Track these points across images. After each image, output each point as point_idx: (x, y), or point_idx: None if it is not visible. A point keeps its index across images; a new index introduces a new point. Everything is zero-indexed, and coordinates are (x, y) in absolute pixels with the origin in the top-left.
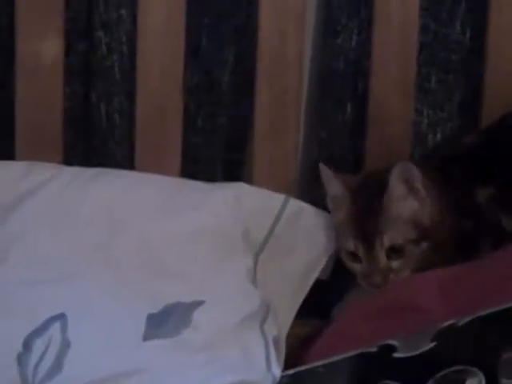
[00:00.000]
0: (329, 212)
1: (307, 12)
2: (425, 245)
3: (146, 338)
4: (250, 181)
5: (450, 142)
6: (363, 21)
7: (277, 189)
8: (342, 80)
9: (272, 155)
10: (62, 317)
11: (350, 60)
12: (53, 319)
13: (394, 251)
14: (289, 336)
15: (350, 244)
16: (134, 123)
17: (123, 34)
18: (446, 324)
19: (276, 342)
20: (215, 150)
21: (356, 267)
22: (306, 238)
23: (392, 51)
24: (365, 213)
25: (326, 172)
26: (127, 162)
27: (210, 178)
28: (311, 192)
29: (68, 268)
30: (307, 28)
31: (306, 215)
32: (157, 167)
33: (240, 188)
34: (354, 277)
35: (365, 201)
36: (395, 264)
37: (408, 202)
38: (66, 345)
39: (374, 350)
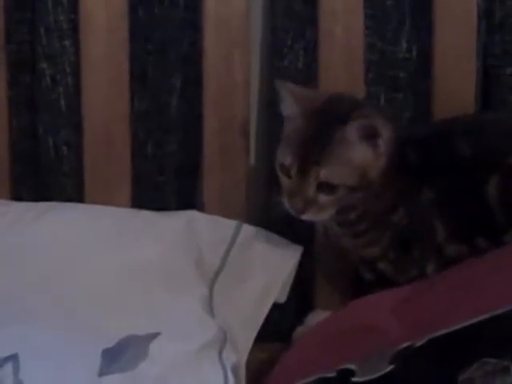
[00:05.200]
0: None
1: (252, 36)
2: (358, 194)
3: (101, 373)
4: (202, 207)
5: (407, 127)
6: (309, 42)
7: (228, 215)
8: None
9: (222, 181)
10: (14, 357)
11: (297, 82)
12: (5, 360)
13: (327, 187)
14: (250, 360)
15: (287, 159)
16: (82, 154)
17: (67, 65)
18: (403, 346)
19: (235, 369)
20: (166, 178)
21: (285, 181)
22: (260, 262)
23: (339, 71)
24: (314, 137)
25: (282, 88)
26: (77, 194)
27: (162, 205)
28: (263, 217)
29: (18, 307)
30: (253, 52)
31: (260, 240)
32: (107, 197)
33: (191, 216)
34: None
35: (320, 124)
36: (322, 198)
37: (362, 150)
38: None
39: (332, 374)
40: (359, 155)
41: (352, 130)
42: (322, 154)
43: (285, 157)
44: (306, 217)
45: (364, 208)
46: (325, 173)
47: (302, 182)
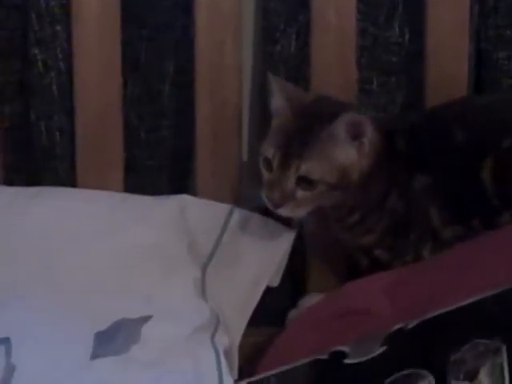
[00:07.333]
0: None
1: (244, 20)
2: (337, 193)
3: (94, 356)
4: (194, 192)
5: (397, 115)
6: (301, 26)
7: (221, 199)
8: None
9: (215, 166)
10: (5, 341)
11: (290, 67)
12: None
13: (306, 182)
14: (243, 344)
15: (270, 151)
16: (75, 140)
17: (59, 50)
18: (395, 328)
19: (228, 353)
20: (159, 163)
21: (265, 175)
22: (253, 246)
23: (331, 56)
24: (300, 132)
25: (273, 82)
26: (69, 179)
27: (154, 190)
28: (256, 201)
29: (10, 290)
30: (245, 37)
31: (253, 224)
32: (100, 182)
33: (184, 200)
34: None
35: (307, 121)
36: (300, 194)
37: (347, 149)
38: (11, 369)
39: (325, 357)
40: (343, 153)
41: (340, 127)
42: (305, 148)
43: (268, 149)
44: (282, 211)
45: (354, 201)
46: (305, 167)
47: (282, 175)
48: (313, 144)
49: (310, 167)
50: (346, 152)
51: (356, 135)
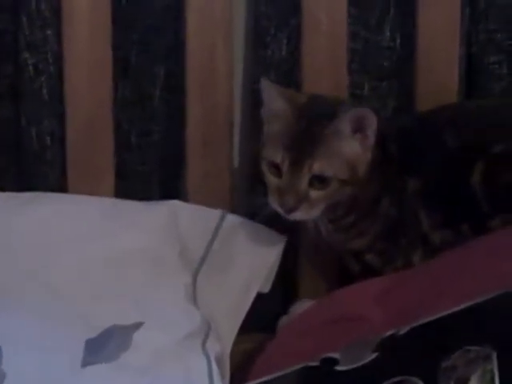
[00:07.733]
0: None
1: (235, 24)
2: (348, 189)
3: (84, 364)
4: (186, 197)
5: (388, 120)
6: (293, 30)
7: (212, 204)
8: None
9: (206, 170)
10: None
11: (281, 71)
12: None
13: (319, 181)
14: (234, 351)
15: (278, 156)
16: (65, 144)
17: (50, 54)
18: (387, 334)
19: (219, 359)
20: (150, 167)
21: (273, 181)
22: (244, 252)
23: (322, 60)
24: (305, 133)
25: (268, 87)
26: (60, 184)
27: (145, 195)
28: (248, 206)
29: (1, 297)
30: (236, 41)
31: (244, 229)
32: (91, 187)
33: (175, 206)
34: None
35: (309, 122)
36: (314, 194)
37: (352, 143)
38: (1, 376)
39: (316, 364)
40: (350, 148)
41: (344, 122)
42: (314, 147)
43: (275, 154)
44: (296, 215)
45: (350, 202)
46: (318, 165)
47: (294, 177)
48: (320, 142)
49: (323, 165)
50: (352, 146)
51: (358, 128)
